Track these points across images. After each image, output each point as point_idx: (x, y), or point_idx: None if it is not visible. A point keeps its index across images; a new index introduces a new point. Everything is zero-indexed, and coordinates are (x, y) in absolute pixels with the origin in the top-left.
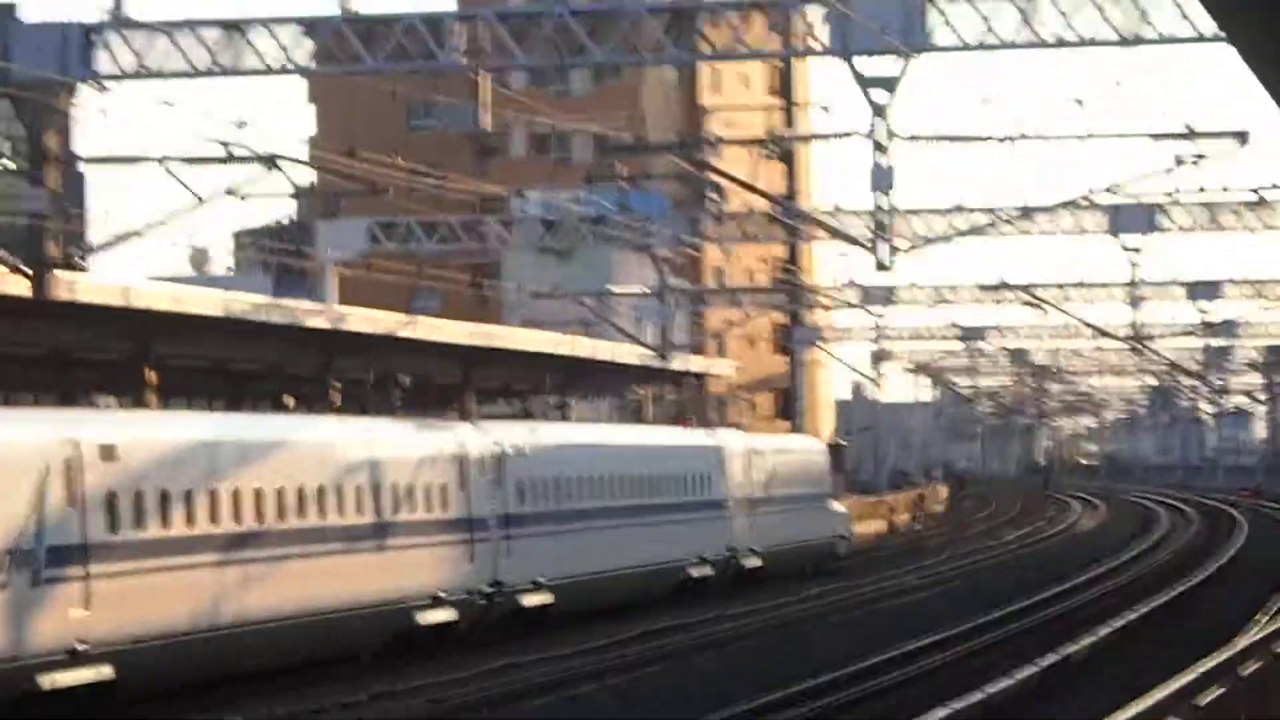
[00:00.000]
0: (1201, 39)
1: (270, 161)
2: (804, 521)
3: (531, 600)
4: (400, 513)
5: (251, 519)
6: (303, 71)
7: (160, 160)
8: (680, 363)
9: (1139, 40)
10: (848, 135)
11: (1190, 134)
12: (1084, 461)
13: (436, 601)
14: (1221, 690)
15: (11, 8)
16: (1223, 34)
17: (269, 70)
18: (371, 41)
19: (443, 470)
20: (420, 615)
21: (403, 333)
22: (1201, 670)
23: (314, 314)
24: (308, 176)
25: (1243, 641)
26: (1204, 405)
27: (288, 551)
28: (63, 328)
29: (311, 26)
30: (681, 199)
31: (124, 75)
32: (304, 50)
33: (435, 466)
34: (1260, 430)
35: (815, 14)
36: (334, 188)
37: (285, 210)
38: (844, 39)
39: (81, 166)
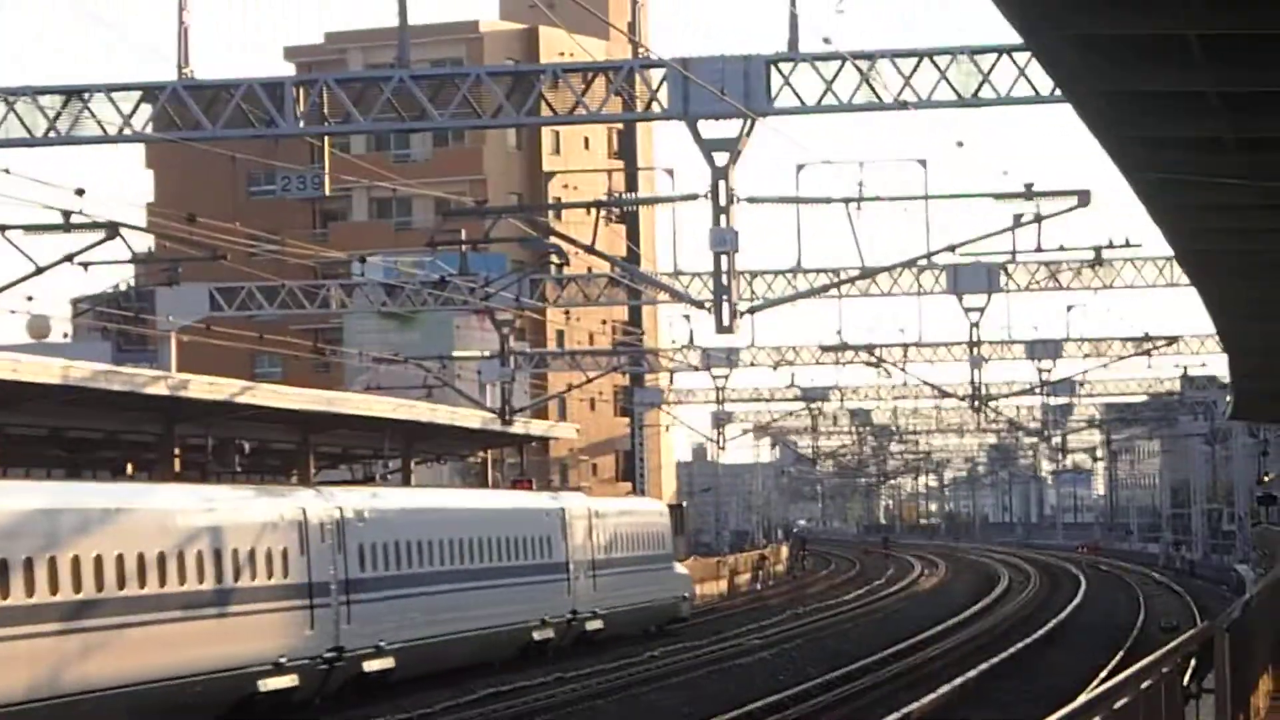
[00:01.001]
0: (1040, 99)
1: (110, 228)
2: (646, 583)
3: (373, 665)
4: (241, 579)
5: (92, 587)
6: (142, 138)
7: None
8: (522, 426)
9: (978, 101)
10: (691, 198)
11: (1030, 194)
12: (924, 520)
13: (278, 668)
14: None
15: None
16: (1061, 94)
17: (107, 138)
18: (211, 107)
19: (283, 536)
20: (261, 682)
21: (243, 399)
22: None
23: (154, 381)
24: (147, 243)
25: (1082, 699)
26: (1044, 463)
27: (129, 619)
28: None
29: (151, 93)
30: (524, 262)
31: None
32: (143, 116)
33: (276, 532)
34: (1099, 487)
35: (657, 76)
36: (174, 254)
37: (125, 276)
38: (685, 102)
39: None
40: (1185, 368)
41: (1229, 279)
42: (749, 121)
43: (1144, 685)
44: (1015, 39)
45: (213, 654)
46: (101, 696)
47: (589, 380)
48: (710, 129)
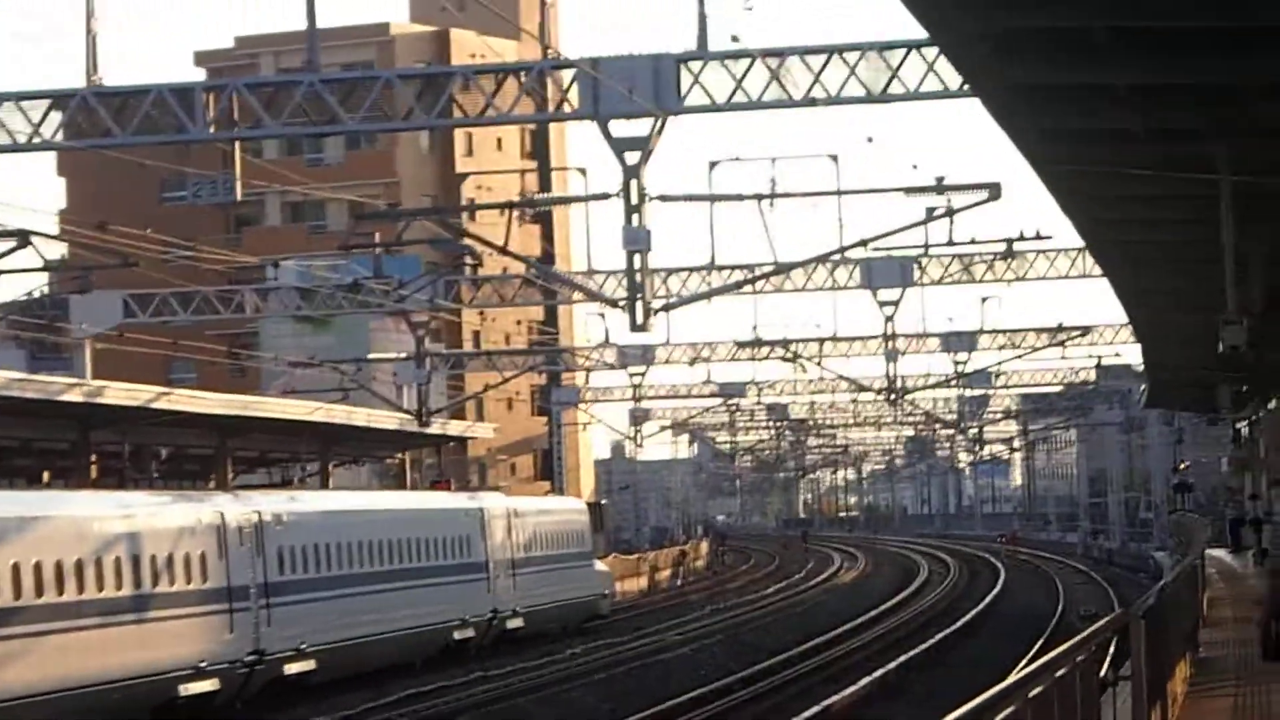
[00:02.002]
0: (949, 94)
1: (21, 236)
2: (566, 581)
3: (294, 668)
4: (159, 584)
5: (9, 595)
6: (52, 146)
7: None
8: (439, 427)
9: (888, 97)
10: (603, 197)
11: (942, 188)
12: (843, 513)
13: (198, 672)
14: None
15: None
16: (970, 89)
17: (16, 146)
18: (121, 114)
19: (202, 540)
20: (182, 686)
21: (159, 405)
22: (956, 716)
23: (69, 388)
24: (59, 250)
25: (997, 687)
26: (961, 454)
27: (47, 626)
28: None
29: (60, 100)
30: (438, 264)
31: None
32: (53, 124)
33: (194, 537)
34: (1017, 477)
35: (567, 77)
36: (86, 261)
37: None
38: (596, 102)
39: None
40: (1099, 358)
41: (1139, 269)
42: (659, 120)
43: (1059, 673)
44: (924, 35)
45: (132, 660)
46: (21, 704)
47: (505, 380)
48: (621, 128)
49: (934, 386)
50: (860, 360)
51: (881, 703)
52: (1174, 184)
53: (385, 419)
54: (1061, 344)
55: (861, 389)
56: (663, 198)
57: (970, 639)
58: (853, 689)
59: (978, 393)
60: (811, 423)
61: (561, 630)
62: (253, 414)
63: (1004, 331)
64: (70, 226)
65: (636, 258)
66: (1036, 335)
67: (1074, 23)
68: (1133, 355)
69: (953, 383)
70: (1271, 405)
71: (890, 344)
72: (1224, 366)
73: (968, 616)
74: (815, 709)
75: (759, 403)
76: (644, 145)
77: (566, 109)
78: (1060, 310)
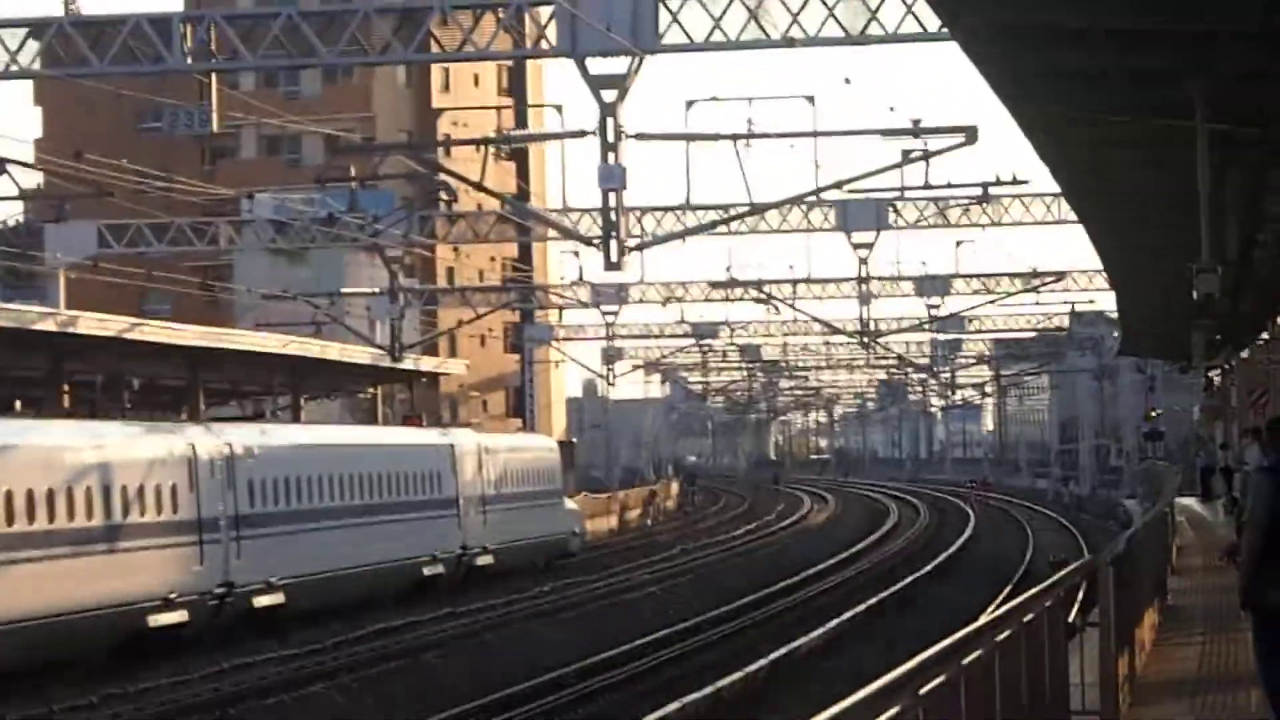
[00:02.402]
0: (928, 36)
1: None
2: (536, 519)
3: (263, 600)
4: (130, 515)
5: None
6: (28, 74)
7: None
8: (412, 362)
9: (866, 38)
10: (579, 135)
11: (918, 130)
12: (815, 456)
13: (167, 603)
14: (943, 678)
15: None
16: (948, 31)
17: None
18: (98, 44)
19: (172, 472)
20: (151, 617)
21: (132, 335)
22: (923, 659)
23: (42, 317)
24: (34, 179)
25: (964, 631)
26: (933, 399)
27: (16, 555)
28: None
29: (37, 29)
30: (413, 199)
31: None
32: (30, 53)
33: (165, 468)
34: (988, 422)
35: (546, 14)
36: (62, 191)
37: (12, 213)
38: (574, 39)
39: None
40: (1074, 304)
41: (1115, 214)
42: (637, 59)
43: (1027, 619)
44: None
45: (102, 590)
46: None
47: (479, 316)
48: (598, 66)
49: (907, 330)
50: (834, 303)
51: (850, 645)
52: (1150, 128)
53: (358, 353)
54: (1035, 290)
55: (834, 331)
56: (639, 136)
57: (939, 583)
58: (821, 630)
59: (951, 337)
60: (784, 364)
61: (531, 568)
62: (225, 346)
63: (978, 276)
64: (46, 156)
65: (611, 196)
66: (1011, 280)
67: None
68: (1107, 302)
69: (926, 326)
70: (1245, 354)
71: (864, 287)
72: (1197, 314)
73: (937, 561)
74: (780, 651)
75: (731, 343)
76: (621, 83)
77: (544, 46)
78: (1035, 256)
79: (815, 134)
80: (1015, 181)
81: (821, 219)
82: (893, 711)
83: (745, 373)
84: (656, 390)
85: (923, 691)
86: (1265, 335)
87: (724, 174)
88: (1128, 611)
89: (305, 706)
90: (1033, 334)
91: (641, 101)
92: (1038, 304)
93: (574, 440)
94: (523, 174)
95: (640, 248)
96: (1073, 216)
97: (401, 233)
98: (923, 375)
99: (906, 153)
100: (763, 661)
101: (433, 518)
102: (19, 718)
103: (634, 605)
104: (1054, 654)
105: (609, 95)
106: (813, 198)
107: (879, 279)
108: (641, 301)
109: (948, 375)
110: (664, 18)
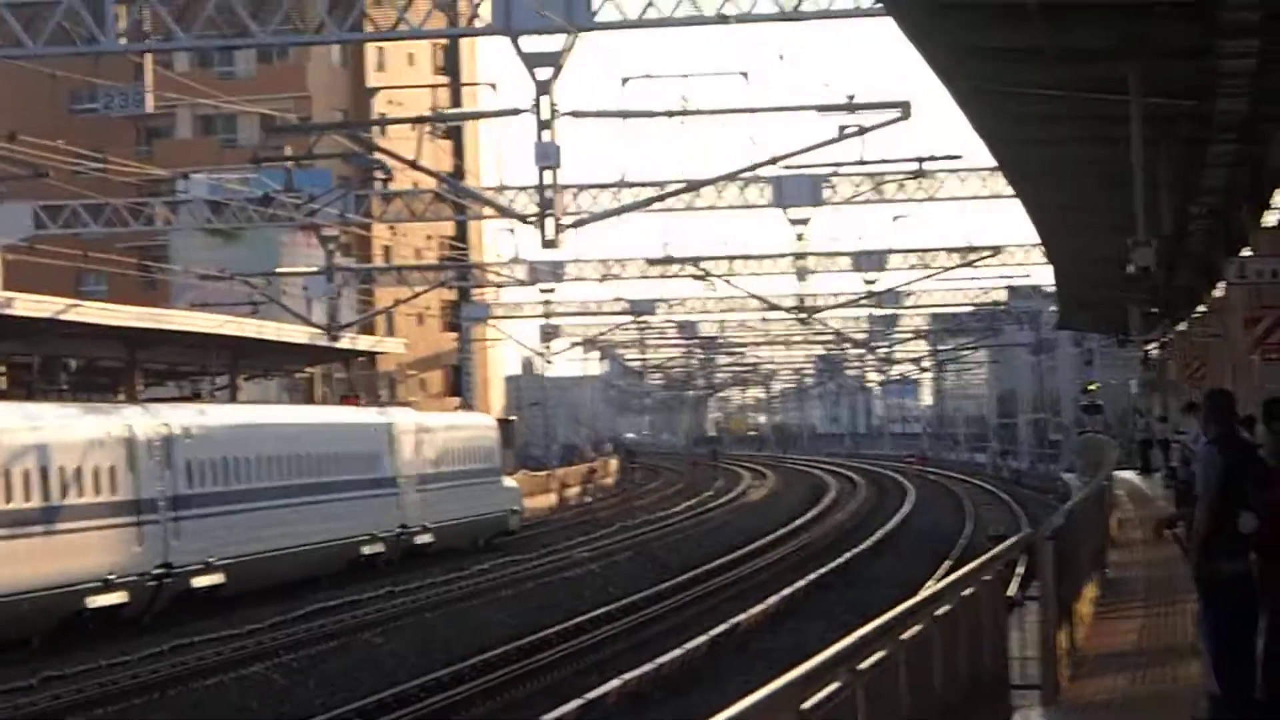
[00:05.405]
0: (862, 12)
1: None
2: (475, 497)
3: (202, 581)
4: (68, 496)
5: None
6: None
7: None
8: (349, 341)
9: (800, 14)
10: (514, 113)
11: (853, 106)
12: (752, 432)
13: (106, 585)
14: (883, 654)
15: None
16: (884, 7)
17: None
18: (32, 25)
19: (111, 453)
20: (89, 599)
21: (68, 316)
22: (861, 634)
23: None
24: None
25: (903, 606)
26: (871, 374)
27: None
28: None
29: None
30: (349, 178)
31: None
32: None
33: (103, 449)
34: (926, 397)
35: None
36: None
37: None
38: (508, 17)
39: None
40: (1010, 279)
41: (1051, 189)
42: (571, 36)
43: (966, 592)
44: None
45: (39, 571)
46: None
47: (415, 295)
48: (533, 44)
49: (844, 305)
50: (771, 279)
51: (790, 620)
52: (1086, 104)
53: (295, 333)
54: (971, 264)
55: (772, 307)
56: (574, 114)
57: (878, 558)
58: (760, 606)
59: (888, 312)
60: (721, 341)
61: (471, 546)
62: (162, 326)
63: (914, 251)
64: None
65: (547, 174)
66: (947, 255)
67: None
68: (1042, 277)
69: (863, 302)
70: (1182, 327)
71: (801, 262)
72: (1134, 288)
73: (876, 535)
74: (720, 627)
75: (669, 320)
76: (555, 61)
77: (478, 24)
78: (970, 231)
79: (751, 110)
80: (949, 157)
81: (757, 195)
82: (832, 688)
83: (683, 350)
84: (594, 368)
85: (862, 667)
86: (1201, 308)
87: (660, 151)
88: (1067, 585)
89: (246, 686)
90: (970, 309)
91: (576, 79)
92: (973, 278)
93: (513, 418)
94: (458, 152)
95: (576, 225)
96: (1008, 191)
97: (338, 212)
98: (860, 350)
99: (842, 128)
100: (703, 638)
101: (371, 497)
102: None
103: (574, 582)
104: (994, 628)
105: (544, 73)
106: (748, 174)
107: (816, 254)
108: (578, 279)
109: (885, 350)
110: None
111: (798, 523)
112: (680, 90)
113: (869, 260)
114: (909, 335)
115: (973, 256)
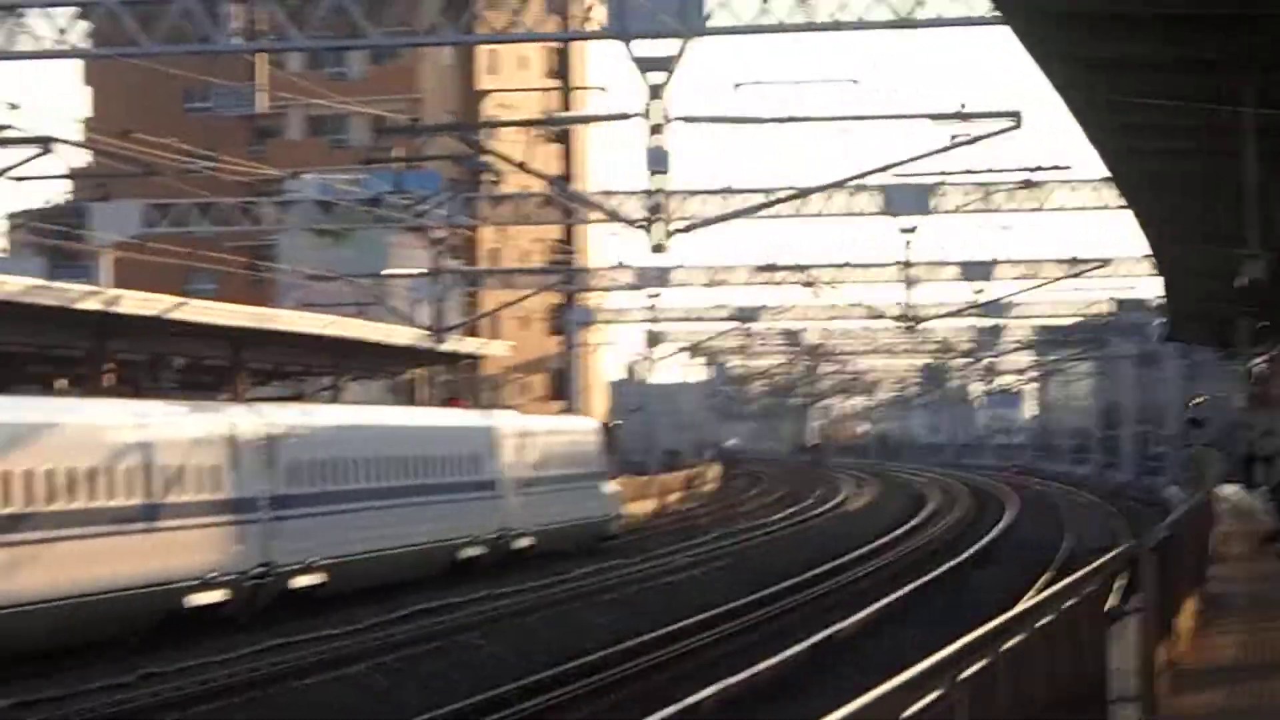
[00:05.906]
0: (976, 20)
1: (43, 143)
2: (576, 501)
3: (302, 581)
4: (171, 494)
5: (21, 501)
6: (78, 54)
7: None
8: (454, 344)
9: (913, 22)
10: (624, 117)
11: (964, 115)
12: (855, 441)
13: (206, 583)
14: (982, 664)
15: None
16: (997, 15)
17: (43, 53)
18: (148, 24)
19: (214, 452)
20: (190, 597)
21: (176, 315)
22: (963, 643)
23: (86, 296)
24: (83, 158)
25: (1004, 616)
26: (975, 384)
27: (57, 534)
28: None
29: (87, 8)
30: (458, 180)
31: None
32: (79, 32)
33: (207, 448)
34: (1029, 409)
35: None
36: (109, 170)
37: (60, 192)
38: (621, 21)
39: None
40: (1116, 291)
41: (1163, 200)
42: (684, 41)
43: (1066, 605)
44: None
45: (141, 569)
46: (28, 610)
47: (521, 299)
48: (645, 48)
49: (949, 315)
50: (876, 287)
51: (891, 629)
52: (1200, 115)
53: (400, 334)
54: (1078, 275)
55: (877, 316)
56: (686, 119)
57: (979, 569)
58: (861, 614)
59: (993, 322)
60: (826, 348)
61: (571, 550)
62: (267, 326)
63: (1022, 262)
64: (96, 135)
65: (657, 179)
66: (1055, 266)
67: None
68: (1148, 290)
69: (968, 312)
70: None
71: (907, 271)
72: (1243, 300)
73: (977, 546)
74: (820, 635)
75: (773, 327)
76: (668, 65)
77: (591, 27)
78: (1077, 243)
79: (860, 118)
80: (1058, 168)
81: (865, 203)
82: (932, 697)
83: (787, 357)
84: (698, 374)
85: (962, 677)
86: None
87: (768, 157)
88: (1169, 599)
89: (344, 686)
90: (1075, 320)
91: (688, 84)
92: (1077, 290)
93: (616, 423)
94: (567, 156)
95: (686, 230)
96: (1117, 202)
97: (445, 214)
98: (965, 361)
99: (954, 136)
100: (802, 645)
101: (473, 499)
102: (59, 695)
103: (674, 588)
104: (1094, 640)
105: (655, 78)
106: (857, 181)
107: (922, 263)
108: (684, 285)
109: (990, 361)
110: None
111: (899, 531)
112: (790, 96)
113: (976, 270)
114: (1014, 346)
115: (1080, 268)
